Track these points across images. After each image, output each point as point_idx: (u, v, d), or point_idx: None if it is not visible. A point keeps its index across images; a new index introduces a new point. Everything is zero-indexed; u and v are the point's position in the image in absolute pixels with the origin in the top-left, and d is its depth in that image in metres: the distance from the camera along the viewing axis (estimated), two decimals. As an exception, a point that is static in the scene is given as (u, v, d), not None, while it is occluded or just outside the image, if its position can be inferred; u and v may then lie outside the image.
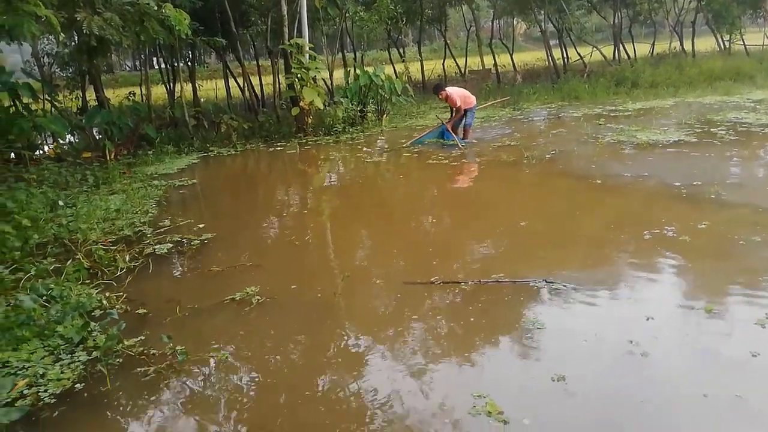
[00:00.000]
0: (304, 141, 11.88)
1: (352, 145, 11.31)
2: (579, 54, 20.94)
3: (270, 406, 3.21)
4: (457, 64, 22.71)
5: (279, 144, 11.74)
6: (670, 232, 5.33)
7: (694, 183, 6.85)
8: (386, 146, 10.86)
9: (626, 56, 21.39)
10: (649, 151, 8.75)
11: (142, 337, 3.99)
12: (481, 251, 5.49)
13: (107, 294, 4.67)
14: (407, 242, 5.93)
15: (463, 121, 10.48)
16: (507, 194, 7.53)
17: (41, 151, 10.55)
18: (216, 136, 11.97)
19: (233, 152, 11.28)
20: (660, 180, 7.17)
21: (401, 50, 22.33)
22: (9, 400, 3.22)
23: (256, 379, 3.47)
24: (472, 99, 10.54)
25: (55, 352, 3.77)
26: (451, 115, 10.55)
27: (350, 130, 12.52)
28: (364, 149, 10.80)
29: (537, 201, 7.04)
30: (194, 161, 10.52)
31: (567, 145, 9.63)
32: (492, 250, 5.50)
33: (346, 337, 3.97)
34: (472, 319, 4.03)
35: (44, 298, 4.36)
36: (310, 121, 12.12)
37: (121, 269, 5.25)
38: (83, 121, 11.00)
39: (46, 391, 3.34)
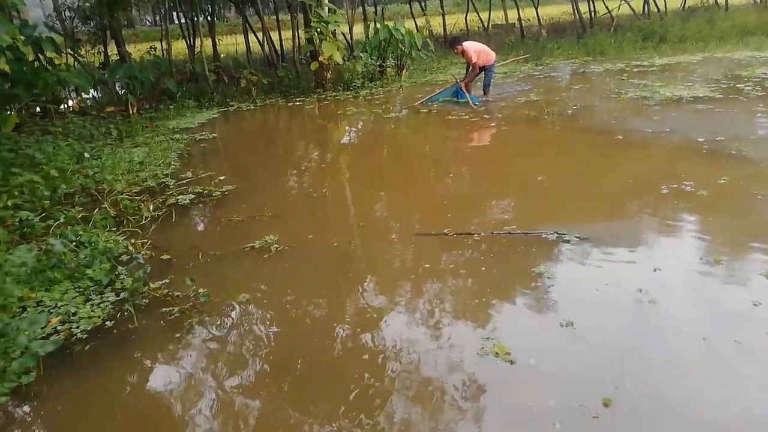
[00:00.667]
0: (323, 96, 11.87)
1: (371, 100, 11.27)
2: (606, 7, 20.26)
3: (289, 347, 3.37)
4: (480, 18, 22.19)
5: (298, 99, 11.76)
6: (687, 187, 5.31)
7: (717, 139, 6.75)
8: (405, 102, 10.80)
9: (656, 9, 20.65)
10: (673, 107, 8.59)
11: (167, 281, 4.17)
12: (495, 205, 5.54)
13: (133, 241, 4.86)
14: (423, 196, 6.00)
15: (482, 78, 10.18)
16: (525, 150, 7.51)
17: (65, 106, 10.72)
18: (236, 90, 12.02)
19: (253, 107, 11.34)
20: (682, 136, 7.07)
21: (423, 4, 21.85)
22: (44, 335, 3.44)
23: (275, 322, 3.63)
24: (492, 56, 10.11)
25: (85, 293, 3.97)
26: (467, 72, 10.21)
27: (369, 85, 12.44)
28: (383, 105, 10.76)
29: (555, 156, 7.01)
30: (214, 116, 10.62)
31: (589, 101, 9.49)
32: (507, 204, 5.55)
33: (360, 284, 4.10)
34: (483, 269, 4.12)
35: (73, 243, 4.56)
36: (329, 76, 12.07)
37: (146, 218, 5.43)
38: (105, 75, 11.11)
39: (77, 327, 3.55)
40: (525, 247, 4.40)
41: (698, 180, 5.42)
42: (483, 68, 10.05)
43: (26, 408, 2.89)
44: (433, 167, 7.08)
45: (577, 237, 4.43)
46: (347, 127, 9.73)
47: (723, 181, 5.39)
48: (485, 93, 10.20)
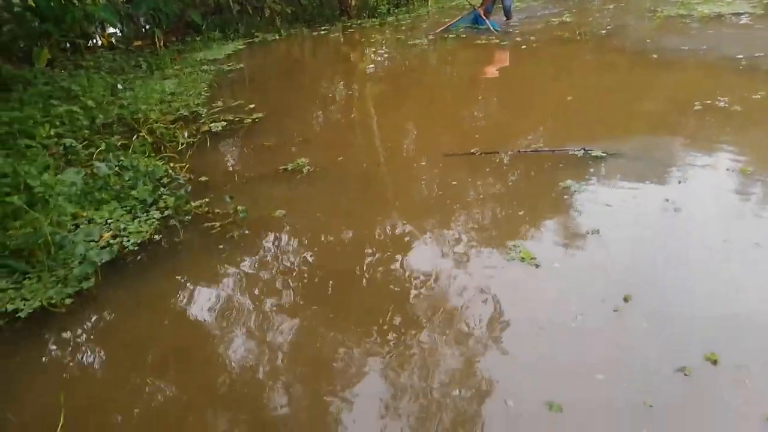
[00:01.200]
0: (348, 24, 11.69)
1: (397, 27, 11.07)
2: None
3: (322, 255, 3.57)
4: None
5: (323, 28, 11.61)
6: (721, 102, 5.23)
7: (756, 55, 6.54)
8: (431, 28, 10.58)
9: None
10: (711, 25, 8.27)
11: (206, 200, 4.38)
12: (523, 125, 5.55)
13: (171, 165, 5.06)
14: (450, 119, 6.04)
15: (502, 3, 9.74)
16: (555, 71, 7.39)
17: (93, 41, 10.81)
18: (260, 21, 11.91)
19: (277, 37, 11.26)
20: (719, 53, 6.86)
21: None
22: (98, 247, 3.70)
23: (309, 236, 3.82)
24: None
25: (132, 211, 4.21)
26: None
27: (395, 11, 12.18)
28: (409, 31, 10.57)
29: (586, 77, 6.90)
30: (240, 47, 10.60)
31: (623, 20, 9.18)
32: (535, 123, 5.55)
33: (390, 199, 4.25)
34: (510, 184, 4.22)
35: (116, 168, 4.78)
36: (353, 2, 11.83)
37: (182, 144, 5.62)
38: (130, 9, 11.10)
39: (128, 241, 3.80)
40: (552, 164, 4.45)
41: (733, 96, 5.33)
42: None
43: (87, 310, 3.16)
44: (461, 91, 7.06)
45: (604, 153, 4.46)
46: (372, 55, 9.64)
47: (758, 97, 5.29)
48: (508, 18, 9.80)
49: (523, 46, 8.71)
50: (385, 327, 2.82)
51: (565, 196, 3.90)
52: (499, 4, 9.91)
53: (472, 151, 4.83)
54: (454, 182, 4.36)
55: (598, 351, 2.52)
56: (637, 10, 9.78)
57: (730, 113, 4.99)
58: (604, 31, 8.59)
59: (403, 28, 10.83)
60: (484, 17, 9.55)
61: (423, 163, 4.89)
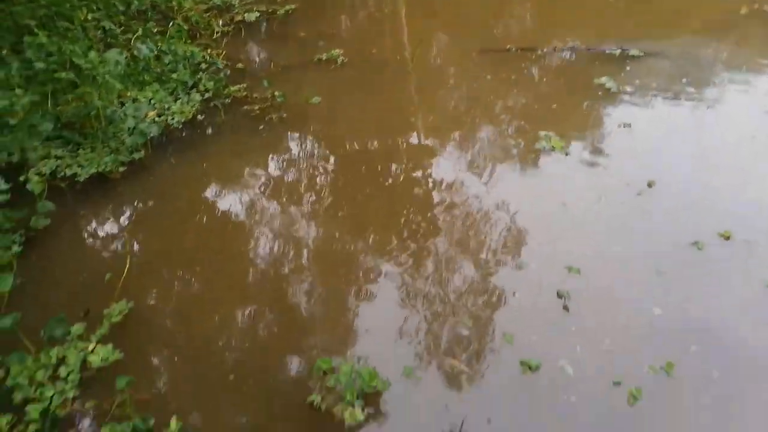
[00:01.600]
0: None
1: None
2: None
3: (356, 138, 3.73)
4: None
5: None
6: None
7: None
8: None
9: None
10: None
11: (244, 85, 4.51)
12: (562, 24, 5.45)
13: (208, 51, 5.15)
14: (486, 17, 5.93)
15: None
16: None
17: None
18: None
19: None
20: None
21: None
22: (142, 125, 3.90)
23: (344, 119, 3.97)
24: None
25: (174, 93, 4.38)
26: None
27: None
28: None
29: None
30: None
31: None
32: (573, 23, 5.44)
33: (423, 90, 4.34)
34: (545, 80, 4.26)
35: (155, 52, 4.88)
36: None
37: (217, 33, 5.66)
38: None
39: (173, 119, 3.99)
40: (588, 62, 4.44)
41: None
42: None
43: (140, 178, 3.42)
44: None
45: (642, 52, 4.42)
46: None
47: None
48: None
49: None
50: (423, 196, 3.04)
51: (600, 92, 3.95)
52: None
53: (507, 47, 4.80)
54: (489, 76, 4.40)
55: (618, 227, 2.72)
56: None
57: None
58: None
59: None
60: None
61: (457, 58, 4.90)
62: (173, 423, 1.95)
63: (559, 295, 2.38)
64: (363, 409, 1.98)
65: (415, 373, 2.12)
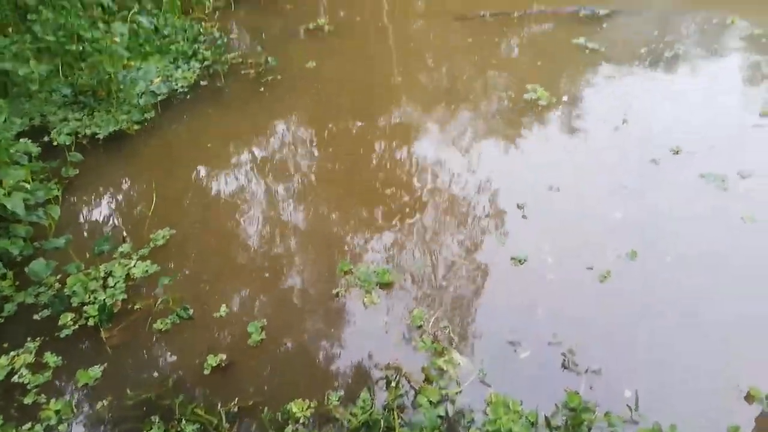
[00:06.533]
0: None
1: None
2: None
3: (347, 98, 4.07)
4: None
5: None
6: None
7: None
8: None
9: None
10: None
11: (239, 52, 4.81)
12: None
13: (203, 24, 5.43)
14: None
15: None
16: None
17: None
18: None
19: None
20: None
21: None
22: (152, 87, 4.20)
23: (333, 80, 4.29)
24: None
25: (175, 62, 4.66)
26: None
27: None
28: None
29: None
30: None
31: None
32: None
33: (408, 53, 4.69)
34: (524, 41, 4.63)
35: (152, 26, 5.15)
36: None
37: (209, 7, 5.92)
38: None
39: (177, 84, 4.29)
40: (564, 24, 4.81)
41: None
42: None
43: (153, 134, 3.72)
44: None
45: (607, 11, 4.80)
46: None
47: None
48: None
49: None
50: (411, 152, 3.40)
51: (577, 50, 4.31)
52: None
53: (480, 13, 5.14)
54: (470, 39, 4.74)
55: (594, 154, 3.12)
56: None
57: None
58: None
59: None
60: None
61: (434, 25, 5.25)
62: (222, 308, 2.32)
63: (539, 203, 2.77)
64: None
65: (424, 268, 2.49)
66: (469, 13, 5.20)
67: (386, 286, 2.43)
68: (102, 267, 2.55)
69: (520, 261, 2.49)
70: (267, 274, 2.58)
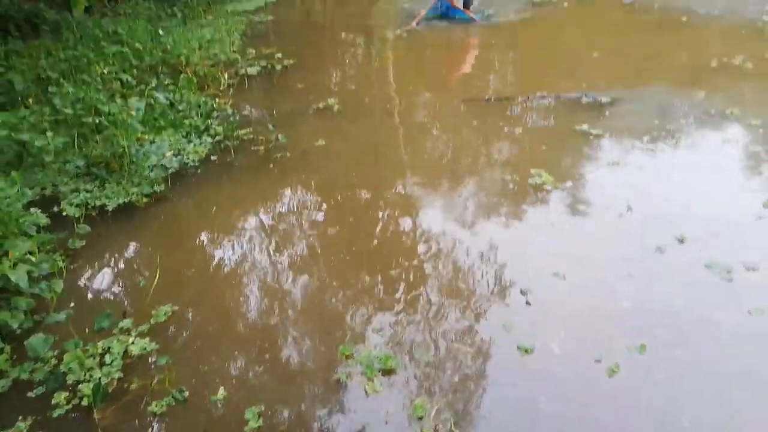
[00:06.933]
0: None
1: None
2: None
3: (355, 177, 4.15)
4: None
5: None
6: (736, 61, 5.67)
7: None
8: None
9: None
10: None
11: (250, 129, 4.95)
12: (537, 76, 6.05)
13: (216, 100, 5.62)
14: (467, 71, 6.54)
15: None
16: (575, 30, 7.80)
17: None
18: (286, -24, 12.25)
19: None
20: (729, 15, 7.27)
21: None
22: (164, 161, 4.29)
23: (340, 159, 4.39)
24: None
25: (188, 136, 4.79)
26: None
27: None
28: None
29: (605, 35, 7.33)
30: (271, 0, 10.99)
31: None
32: (549, 75, 6.05)
33: (416, 134, 4.81)
34: (529, 126, 4.76)
35: (168, 101, 5.34)
36: (377, -39, 12.11)
37: (223, 84, 6.16)
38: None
39: (188, 158, 4.39)
40: (567, 110, 4.95)
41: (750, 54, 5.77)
42: None
43: (161, 207, 3.77)
44: (485, 47, 7.49)
45: (617, 101, 4.96)
46: (393, 12, 9.99)
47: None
48: (467, 6, 8.25)
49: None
50: (421, 223, 3.43)
51: (581, 136, 4.41)
52: None
53: (486, 97, 5.32)
54: (475, 122, 4.88)
55: (600, 241, 3.16)
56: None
57: (737, 68, 5.47)
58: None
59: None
60: (461, 8, 8.18)
61: (443, 106, 5.42)
62: (220, 391, 2.26)
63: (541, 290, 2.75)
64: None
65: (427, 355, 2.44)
66: (475, 97, 5.38)
67: (388, 372, 2.37)
68: (100, 343, 2.51)
69: (526, 350, 2.44)
70: (267, 356, 2.53)
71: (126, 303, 2.85)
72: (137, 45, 6.82)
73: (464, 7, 8.25)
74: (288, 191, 3.98)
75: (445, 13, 8.31)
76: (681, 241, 3.06)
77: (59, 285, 2.68)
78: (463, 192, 3.79)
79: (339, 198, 3.83)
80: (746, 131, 4.28)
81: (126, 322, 2.67)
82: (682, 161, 3.96)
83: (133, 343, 2.54)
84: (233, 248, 3.33)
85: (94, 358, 2.43)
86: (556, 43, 7.17)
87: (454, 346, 2.50)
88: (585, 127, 4.49)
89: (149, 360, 2.48)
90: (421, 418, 2.16)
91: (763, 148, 4.02)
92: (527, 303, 2.73)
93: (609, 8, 8.47)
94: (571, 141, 4.35)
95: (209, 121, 5.07)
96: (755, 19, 6.92)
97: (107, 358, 2.44)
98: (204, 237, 3.46)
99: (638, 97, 5.05)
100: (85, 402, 2.24)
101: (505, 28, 7.75)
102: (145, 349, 2.52)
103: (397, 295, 2.83)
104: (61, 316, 2.48)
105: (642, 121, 4.58)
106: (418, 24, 8.07)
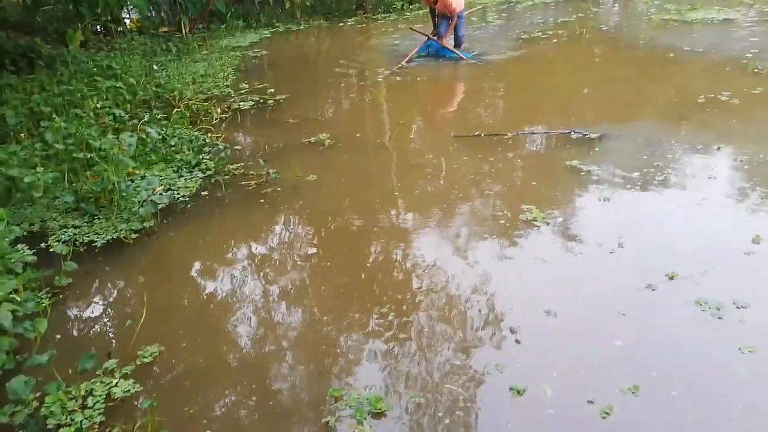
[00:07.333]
0: (364, 18, 12.26)
1: (409, 21, 11.61)
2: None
3: (346, 213, 4.15)
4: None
5: (341, 22, 12.17)
6: (723, 96, 5.76)
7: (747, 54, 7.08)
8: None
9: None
10: (696, 27, 8.87)
11: (241, 164, 4.96)
12: (526, 113, 6.12)
13: (209, 135, 5.65)
14: (458, 106, 6.63)
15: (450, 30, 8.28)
16: (567, 66, 7.94)
17: (123, 25, 11.39)
18: (281, 12, 12.49)
19: (297, 28, 11.84)
20: (714, 52, 7.43)
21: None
22: (153, 197, 4.28)
23: (331, 194, 4.40)
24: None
25: (179, 171, 4.80)
26: (434, 23, 8.52)
27: (409, 7, 12.72)
28: (418, 25, 11.09)
29: (592, 72, 7.46)
30: (263, 36, 11.17)
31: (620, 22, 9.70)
32: (538, 111, 6.13)
33: (406, 169, 4.83)
34: (519, 161, 4.78)
35: (160, 136, 5.36)
36: (369, -3, 12.41)
37: (216, 119, 6.20)
38: (158, -4, 11.70)
39: (178, 194, 4.38)
40: (557, 146, 4.99)
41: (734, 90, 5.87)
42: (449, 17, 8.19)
43: (151, 243, 3.75)
44: (474, 82, 7.60)
45: (606, 137, 5.01)
46: (385, 47, 10.16)
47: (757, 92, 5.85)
48: (457, 45, 8.40)
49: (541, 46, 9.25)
50: (409, 259, 3.41)
51: (571, 172, 4.43)
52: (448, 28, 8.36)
53: (476, 133, 5.36)
54: (465, 157, 4.89)
55: (591, 278, 3.14)
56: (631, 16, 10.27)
57: (724, 104, 5.57)
58: (604, 28, 9.09)
59: (416, 23, 11.33)
60: (451, 48, 8.27)
61: (434, 141, 5.46)
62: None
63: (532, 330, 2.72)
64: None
65: (417, 397, 2.40)
66: (466, 133, 5.41)
67: (378, 414, 2.33)
68: (83, 385, 2.45)
69: (518, 392, 2.41)
70: (255, 398, 2.48)
71: (111, 343, 2.81)
72: (131, 80, 6.88)
73: (455, 44, 8.40)
74: (278, 227, 3.97)
75: (435, 53, 8.42)
76: (671, 277, 3.05)
77: (43, 324, 2.63)
78: (454, 228, 3.79)
79: (329, 234, 3.82)
80: (733, 167, 4.33)
81: (111, 363, 2.63)
82: (670, 197, 3.98)
83: (116, 385, 2.48)
84: (222, 286, 3.30)
85: (77, 401, 2.38)
86: (545, 80, 7.28)
87: (445, 387, 2.46)
88: (575, 162, 4.53)
89: (133, 403, 2.42)
90: (411, 463, 2.11)
91: (751, 183, 4.05)
92: (516, 341, 2.70)
93: (597, 44, 8.65)
94: (561, 176, 4.38)
95: (201, 155, 5.09)
96: (739, 56, 7.06)
97: (90, 401, 2.39)
98: (193, 274, 3.43)
99: (627, 133, 5.10)
100: (65, 448, 2.18)
101: (494, 65, 7.87)
102: (128, 391, 2.46)
103: (388, 335, 2.80)
104: (44, 358, 2.43)
105: (631, 156, 4.62)
106: (408, 63, 8.13)
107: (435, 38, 8.34)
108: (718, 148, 4.63)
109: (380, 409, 2.33)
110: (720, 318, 2.78)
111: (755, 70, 6.48)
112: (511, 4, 12.82)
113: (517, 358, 2.60)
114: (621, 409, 2.29)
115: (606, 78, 7.04)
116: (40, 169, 4.09)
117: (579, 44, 8.66)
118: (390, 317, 2.92)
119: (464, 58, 8.04)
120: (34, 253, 3.42)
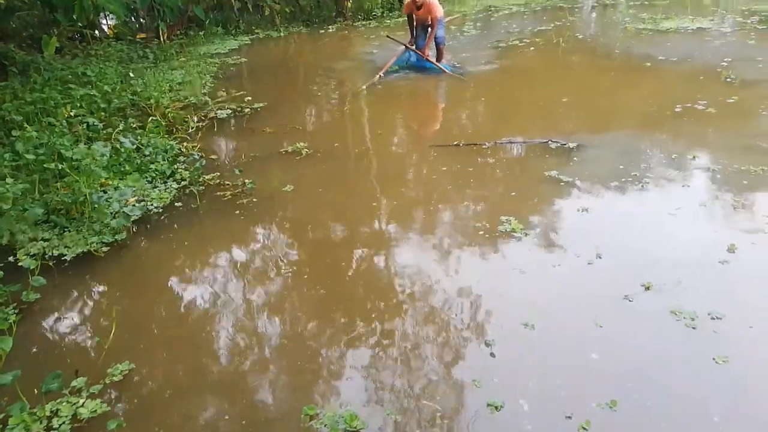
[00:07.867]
0: (344, 25, 12.24)
1: (390, 28, 11.62)
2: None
3: (323, 223, 4.11)
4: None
5: (321, 29, 12.13)
6: (700, 106, 5.85)
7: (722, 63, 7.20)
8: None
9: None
10: (670, 36, 9.00)
11: (217, 173, 4.89)
12: (505, 123, 6.15)
13: (184, 144, 5.56)
14: (439, 119, 6.65)
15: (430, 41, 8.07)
16: (544, 76, 8.00)
17: (99, 32, 11.22)
18: (260, 19, 12.41)
19: (277, 35, 11.77)
20: (689, 61, 7.55)
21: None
22: (126, 209, 4.19)
23: (308, 204, 4.35)
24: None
25: (153, 181, 4.71)
26: (413, 34, 8.39)
27: (389, 15, 12.74)
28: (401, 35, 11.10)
29: (572, 82, 7.52)
30: (242, 43, 11.07)
31: (596, 31, 9.82)
32: (517, 122, 6.16)
33: (384, 179, 4.81)
34: (498, 171, 4.79)
35: (135, 145, 5.26)
36: (349, 5, 12.38)
37: (192, 128, 6.11)
38: (136, 1, 11.52)
39: (152, 205, 4.30)
40: (536, 156, 5.00)
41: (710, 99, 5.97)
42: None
43: (122, 256, 3.66)
44: (452, 93, 7.62)
45: (568, 144, 5.05)
46: (364, 55, 10.16)
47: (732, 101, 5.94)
48: (439, 56, 8.25)
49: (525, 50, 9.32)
50: (386, 273, 3.38)
51: (551, 182, 4.44)
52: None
53: (455, 143, 5.35)
54: (444, 168, 4.88)
55: (569, 290, 3.15)
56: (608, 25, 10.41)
57: (700, 113, 5.64)
58: (580, 36, 9.19)
59: (395, 30, 11.35)
60: (432, 61, 8.11)
61: (412, 151, 5.45)
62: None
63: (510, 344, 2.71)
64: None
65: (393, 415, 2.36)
66: (444, 143, 5.40)
67: (354, 433, 2.28)
68: (48, 406, 2.37)
69: (496, 408, 2.38)
70: (227, 417, 2.43)
71: (79, 361, 2.72)
72: (106, 87, 6.76)
73: (437, 49, 8.29)
74: (253, 239, 3.91)
75: (415, 64, 8.32)
76: (647, 288, 3.07)
77: (8, 343, 2.54)
78: (432, 239, 3.77)
79: (305, 246, 3.78)
80: (709, 176, 4.38)
81: (79, 381, 2.55)
82: (647, 206, 4.01)
83: (83, 405, 2.40)
84: (195, 300, 3.23)
85: (41, 423, 2.30)
86: (524, 90, 7.32)
87: (422, 404, 2.43)
88: (554, 172, 4.54)
89: (101, 423, 2.35)
90: (386, 484, 2.07)
91: (725, 192, 4.10)
92: (492, 355, 2.69)
93: (574, 53, 8.73)
94: (539, 187, 4.39)
95: (175, 165, 5.01)
96: (713, 65, 7.19)
97: (55, 422, 2.31)
98: (165, 288, 3.36)
99: (604, 142, 5.14)
100: (27, 473, 2.10)
101: (473, 76, 7.88)
102: (95, 411, 2.39)
103: (364, 350, 2.76)
104: (8, 378, 2.34)
105: (608, 166, 4.65)
106: (385, 74, 8.03)
107: (414, 49, 8.27)
108: (694, 158, 4.68)
109: (356, 427, 2.29)
110: (694, 328, 2.79)
111: (727, 79, 6.59)
112: (489, 12, 12.92)
113: (494, 373, 2.58)
114: (598, 424, 2.28)
115: (584, 87, 7.11)
116: (9, 180, 3.97)
117: (556, 53, 8.75)
118: (366, 332, 2.88)
119: (445, 71, 7.99)
120: (1, 268, 3.32)
